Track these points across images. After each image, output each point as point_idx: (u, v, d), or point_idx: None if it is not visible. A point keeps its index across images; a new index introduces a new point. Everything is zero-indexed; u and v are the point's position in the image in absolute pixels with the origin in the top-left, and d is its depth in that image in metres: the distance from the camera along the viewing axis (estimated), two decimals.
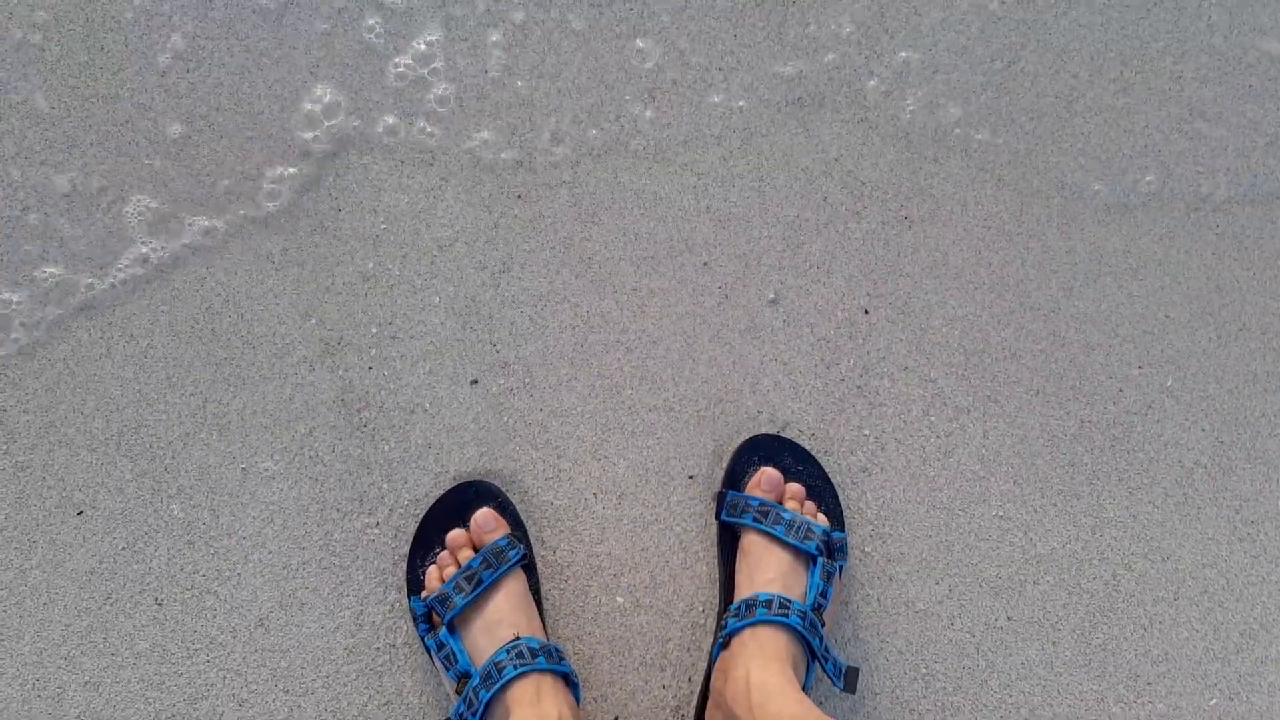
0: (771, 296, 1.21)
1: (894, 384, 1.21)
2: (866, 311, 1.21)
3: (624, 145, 1.22)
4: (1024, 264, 1.23)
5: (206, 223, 1.18)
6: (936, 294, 1.22)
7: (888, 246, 1.22)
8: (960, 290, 1.22)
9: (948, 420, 1.20)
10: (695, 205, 1.22)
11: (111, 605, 1.13)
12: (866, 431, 1.20)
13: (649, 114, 1.22)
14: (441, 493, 1.14)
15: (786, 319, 1.21)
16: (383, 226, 1.19)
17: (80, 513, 1.14)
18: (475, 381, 1.18)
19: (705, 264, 1.21)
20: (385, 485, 1.16)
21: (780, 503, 1.11)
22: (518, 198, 1.20)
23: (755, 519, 1.08)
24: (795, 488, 1.12)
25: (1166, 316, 1.23)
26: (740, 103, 1.23)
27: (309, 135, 1.19)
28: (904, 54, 1.24)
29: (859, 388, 1.20)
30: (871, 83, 1.24)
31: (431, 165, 1.20)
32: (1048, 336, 1.22)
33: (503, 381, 1.18)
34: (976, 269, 1.23)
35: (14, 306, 1.15)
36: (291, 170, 1.19)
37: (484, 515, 1.09)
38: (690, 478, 1.18)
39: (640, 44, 1.23)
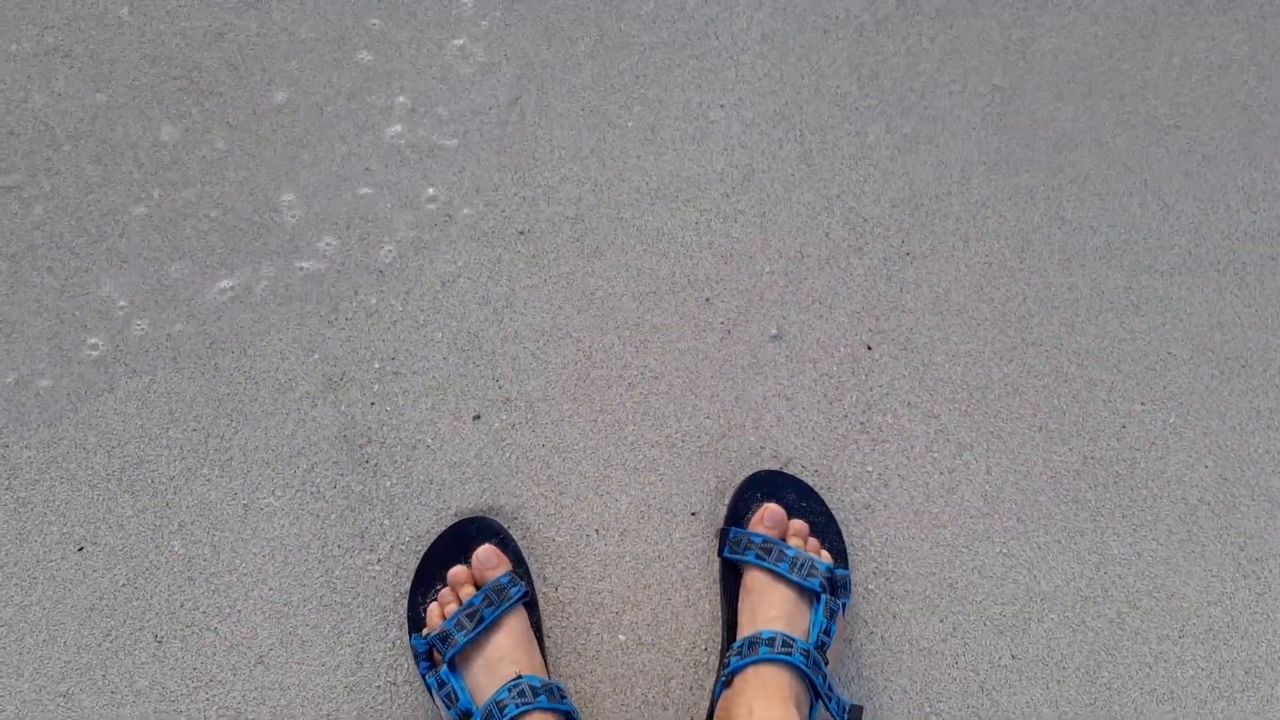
0: (774, 332, 1.22)
1: (897, 420, 1.21)
2: (869, 347, 1.22)
3: (626, 181, 1.23)
4: (1025, 300, 1.24)
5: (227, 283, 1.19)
6: (939, 329, 1.23)
7: (890, 282, 1.23)
8: (962, 326, 1.23)
9: (951, 457, 1.21)
10: (697, 241, 1.23)
11: (111, 642, 1.13)
12: (869, 468, 1.20)
13: (651, 150, 1.24)
14: (443, 529, 1.14)
15: (789, 354, 1.22)
16: (386, 262, 1.20)
17: (81, 549, 1.14)
18: (478, 417, 1.19)
19: (708, 299, 1.22)
20: (387, 521, 1.16)
21: (783, 539, 1.11)
22: (520, 233, 1.21)
23: (758, 556, 1.09)
24: (798, 524, 1.13)
25: (1169, 353, 1.24)
26: (741, 138, 1.24)
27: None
28: (906, 95, 1.26)
29: (862, 424, 1.21)
30: (873, 128, 1.25)
31: (435, 201, 1.21)
32: (1050, 372, 1.23)
33: (505, 417, 1.19)
34: (978, 305, 1.24)
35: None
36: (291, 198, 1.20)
37: (485, 552, 1.10)
38: (693, 514, 1.19)
39: (640, 84, 1.25)
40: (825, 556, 1.12)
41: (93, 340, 1.17)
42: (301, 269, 1.19)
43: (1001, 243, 1.25)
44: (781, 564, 1.08)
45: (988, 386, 1.22)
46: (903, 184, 1.25)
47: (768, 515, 1.12)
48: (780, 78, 1.26)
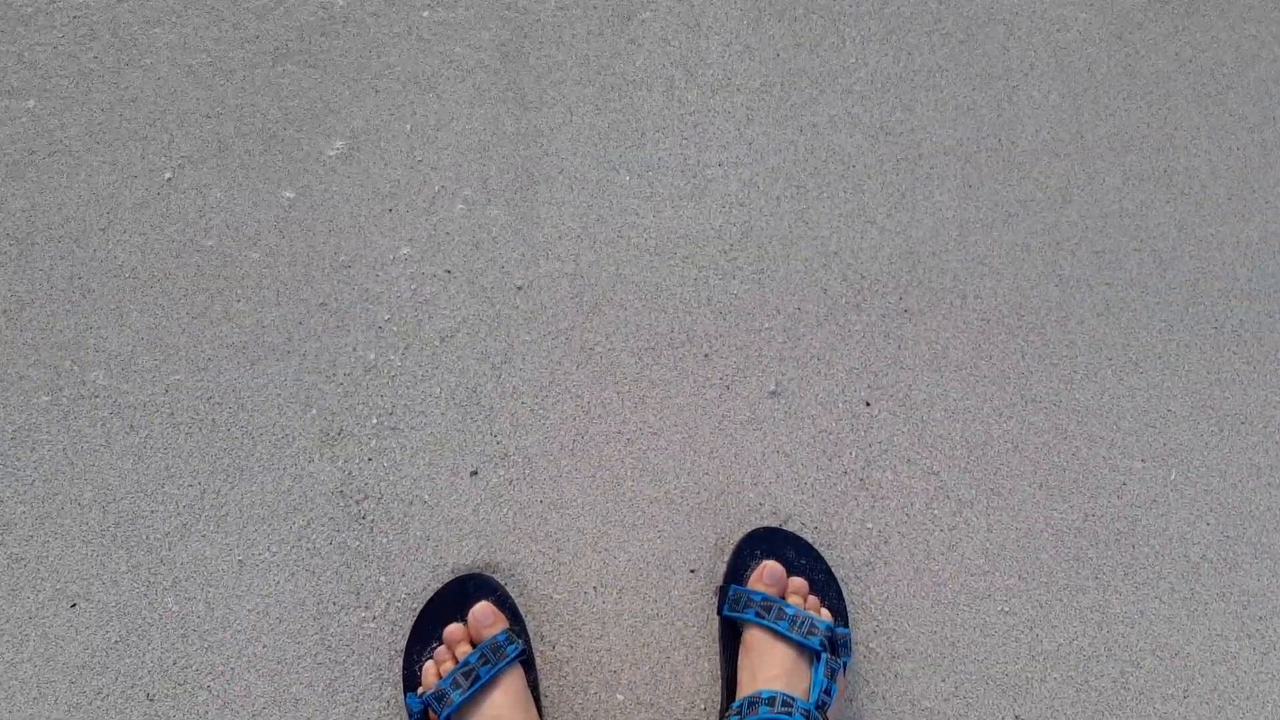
0: (772, 388, 1.23)
1: (896, 476, 1.22)
2: (868, 404, 1.23)
3: (624, 238, 1.25)
4: (1024, 356, 1.26)
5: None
6: (938, 386, 1.24)
7: (888, 339, 1.25)
8: (961, 383, 1.25)
9: (951, 514, 1.22)
10: (696, 297, 1.25)
11: (103, 700, 1.13)
12: (869, 525, 1.21)
13: (649, 207, 1.26)
14: (439, 586, 1.15)
15: (788, 411, 1.23)
16: (385, 317, 1.21)
17: (74, 605, 1.14)
18: (475, 473, 1.19)
19: (706, 355, 1.23)
20: (383, 578, 1.16)
21: (783, 597, 1.12)
22: (518, 289, 1.23)
23: (758, 614, 1.09)
24: (798, 582, 1.13)
25: (1168, 410, 1.26)
26: (739, 196, 1.27)
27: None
28: (902, 151, 1.29)
29: (861, 480, 1.22)
30: (870, 185, 1.28)
31: (436, 254, 1.23)
32: (1050, 429, 1.24)
33: (503, 473, 1.20)
34: (977, 361, 1.25)
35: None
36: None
37: (482, 609, 1.10)
38: (692, 571, 1.19)
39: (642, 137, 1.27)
40: (825, 614, 1.12)
41: (89, 392, 1.18)
42: (300, 323, 1.21)
43: (999, 299, 1.27)
44: (781, 622, 1.08)
45: (987, 443, 1.24)
46: (900, 241, 1.27)
47: (767, 573, 1.13)
48: (778, 135, 1.28)
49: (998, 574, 1.21)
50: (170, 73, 1.24)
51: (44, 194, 1.21)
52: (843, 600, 1.17)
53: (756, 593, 1.11)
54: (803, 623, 1.08)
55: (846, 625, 1.16)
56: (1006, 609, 1.20)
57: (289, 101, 1.25)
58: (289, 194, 1.23)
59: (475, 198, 1.25)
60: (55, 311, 1.19)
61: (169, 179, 1.23)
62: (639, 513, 1.20)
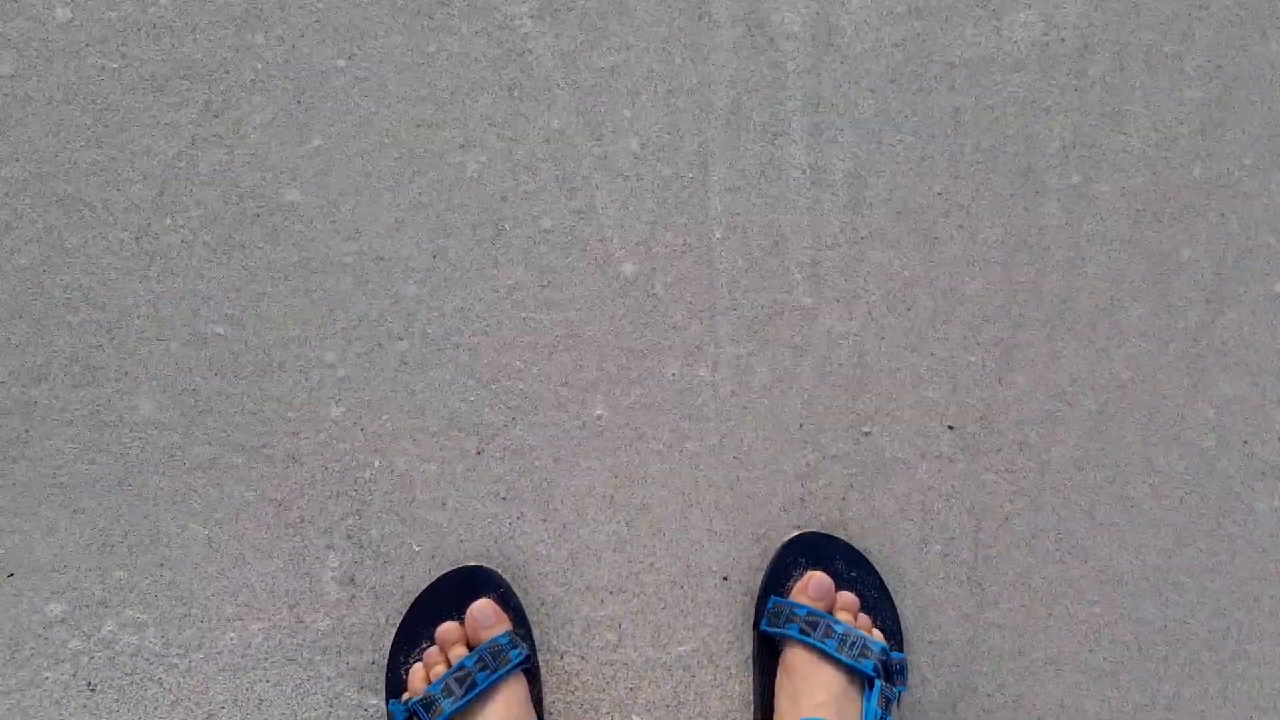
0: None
1: (960, 491, 1.10)
2: (950, 427, 1.11)
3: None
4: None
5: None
6: (1015, 403, 1.12)
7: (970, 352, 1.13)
8: (1035, 400, 1.12)
9: (1028, 539, 1.09)
10: (727, 297, 1.12)
11: (36, 689, 1.00)
12: (928, 536, 1.08)
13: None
14: (434, 578, 1.02)
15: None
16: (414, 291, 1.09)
17: (10, 575, 1.02)
18: (480, 452, 1.07)
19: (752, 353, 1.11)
20: (369, 564, 1.04)
21: (830, 613, 0.99)
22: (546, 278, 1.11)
23: (802, 630, 0.97)
24: (848, 597, 1.01)
25: None
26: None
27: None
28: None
29: (924, 489, 1.09)
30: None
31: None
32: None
33: (512, 454, 1.07)
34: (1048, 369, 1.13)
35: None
36: None
37: (482, 607, 0.98)
38: (724, 578, 1.07)
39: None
40: (878, 635, 0.99)
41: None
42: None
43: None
44: (829, 641, 0.96)
45: (1046, 464, 1.11)
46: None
47: (813, 585, 1.00)
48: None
49: (1092, 618, 1.08)
50: None
51: None
52: (898, 621, 1.04)
53: (801, 606, 0.98)
54: (854, 643, 0.96)
55: (902, 649, 1.04)
56: (1098, 663, 1.08)
57: None
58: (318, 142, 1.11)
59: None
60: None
61: None
62: (665, 509, 1.08)
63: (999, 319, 1.12)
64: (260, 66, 1.08)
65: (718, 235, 1.11)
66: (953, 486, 1.09)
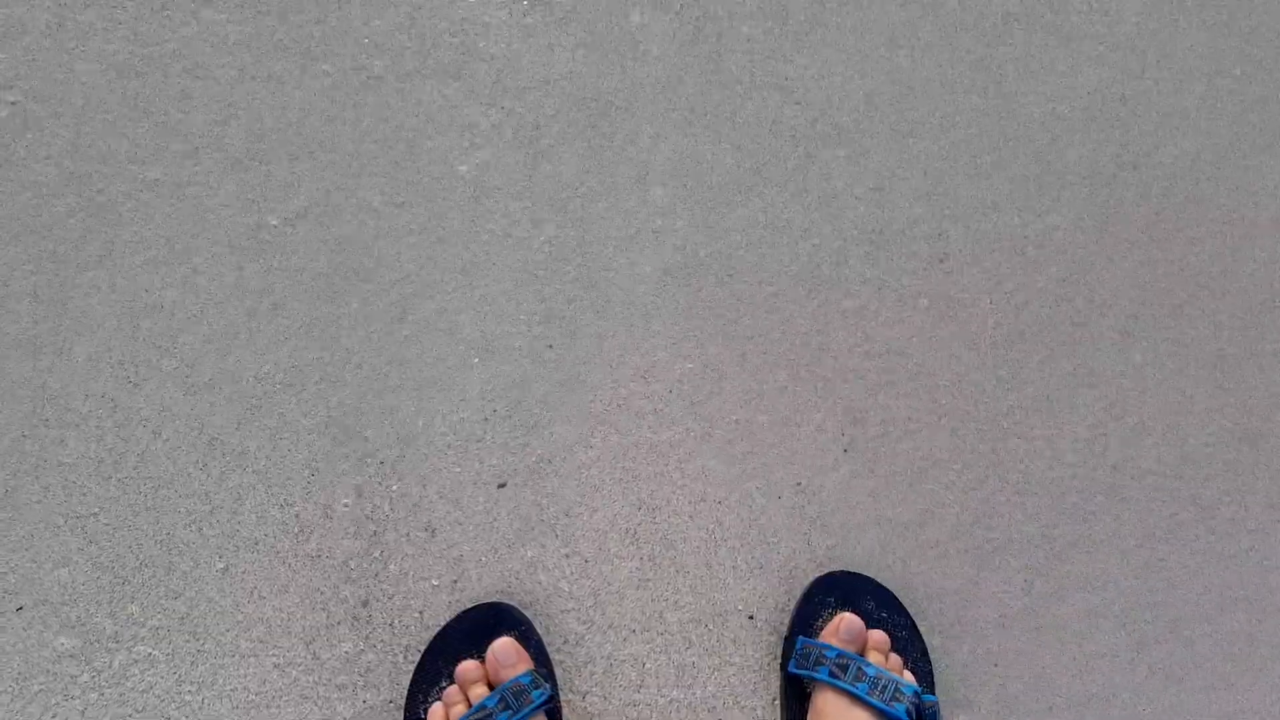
0: (853, 418, 1.09)
1: (998, 530, 1.08)
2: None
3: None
4: None
5: None
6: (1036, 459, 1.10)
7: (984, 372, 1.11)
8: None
9: (1059, 588, 1.07)
10: (770, 319, 1.10)
11: (53, 718, 0.98)
12: (957, 581, 1.06)
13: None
14: (453, 615, 1.00)
15: (872, 442, 1.08)
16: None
17: (20, 609, 0.99)
18: (503, 485, 1.05)
19: (784, 387, 1.09)
20: (388, 600, 1.02)
21: (861, 654, 0.96)
22: (570, 302, 1.09)
23: (831, 673, 0.94)
24: (879, 636, 0.99)
25: None
26: None
27: None
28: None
29: (953, 531, 1.07)
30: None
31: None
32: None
33: (535, 488, 1.05)
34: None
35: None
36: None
37: (504, 646, 0.95)
38: (750, 616, 1.05)
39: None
40: (909, 678, 0.97)
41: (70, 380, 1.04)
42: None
43: None
44: (860, 685, 0.93)
45: (1079, 539, 1.09)
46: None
47: (844, 627, 0.98)
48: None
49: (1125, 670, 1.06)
50: None
51: None
52: (928, 661, 1.02)
53: (831, 648, 0.96)
54: (885, 686, 0.93)
55: (933, 691, 1.01)
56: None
57: None
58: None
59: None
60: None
61: None
62: (690, 544, 1.05)
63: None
64: None
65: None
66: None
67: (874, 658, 0.97)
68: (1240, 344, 1.15)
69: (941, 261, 1.12)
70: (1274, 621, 1.11)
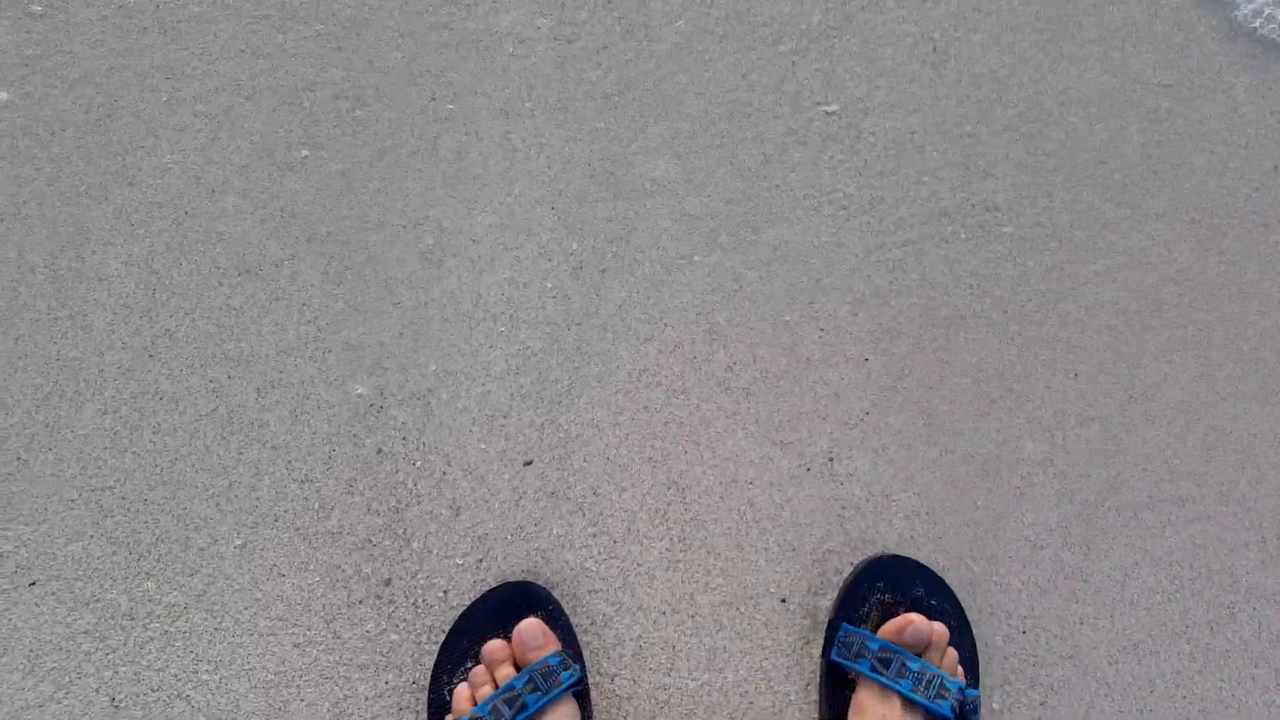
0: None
1: (1047, 519, 1.05)
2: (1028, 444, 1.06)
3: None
4: None
5: None
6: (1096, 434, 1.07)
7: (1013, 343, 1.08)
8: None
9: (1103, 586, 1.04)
10: (806, 310, 1.08)
11: (56, 704, 0.95)
12: (1013, 572, 1.03)
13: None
14: (479, 594, 0.97)
15: (920, 415, 1.05)
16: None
17: (33, 583, 0.97)
18: (529, 463, 1.02)
19: (808, 361, 1.06)
20: (411, 578, 0.99)
21: (909, 648, 0.92)
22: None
23: (873, 667, 0.91)
24: (940, 630, 0.93)
25: None
26: None
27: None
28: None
29: (999, 515, 1.04)
30: None
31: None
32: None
33: (562, 466, 1.02)
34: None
35: None
36: None
37: (530, 626, 0.92)
38: (782, 600, 1.02)
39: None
40: (960, 673, 0.93)
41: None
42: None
43: None
44: (904, 681, 0.90)
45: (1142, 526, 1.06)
46: None
47: (910, 632, 0.91)
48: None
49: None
50: None
51: None
52: (975, 652, 0.99)
53: (875, 639, 0.92)
54: (931, 682, 0.90)
55: (977, 685, 0.98)
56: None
57: None
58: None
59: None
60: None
61: None
62: (721, 525, 1.03)
63: None
64: None
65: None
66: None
67: (931, 655, 0.93)
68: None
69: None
70: None
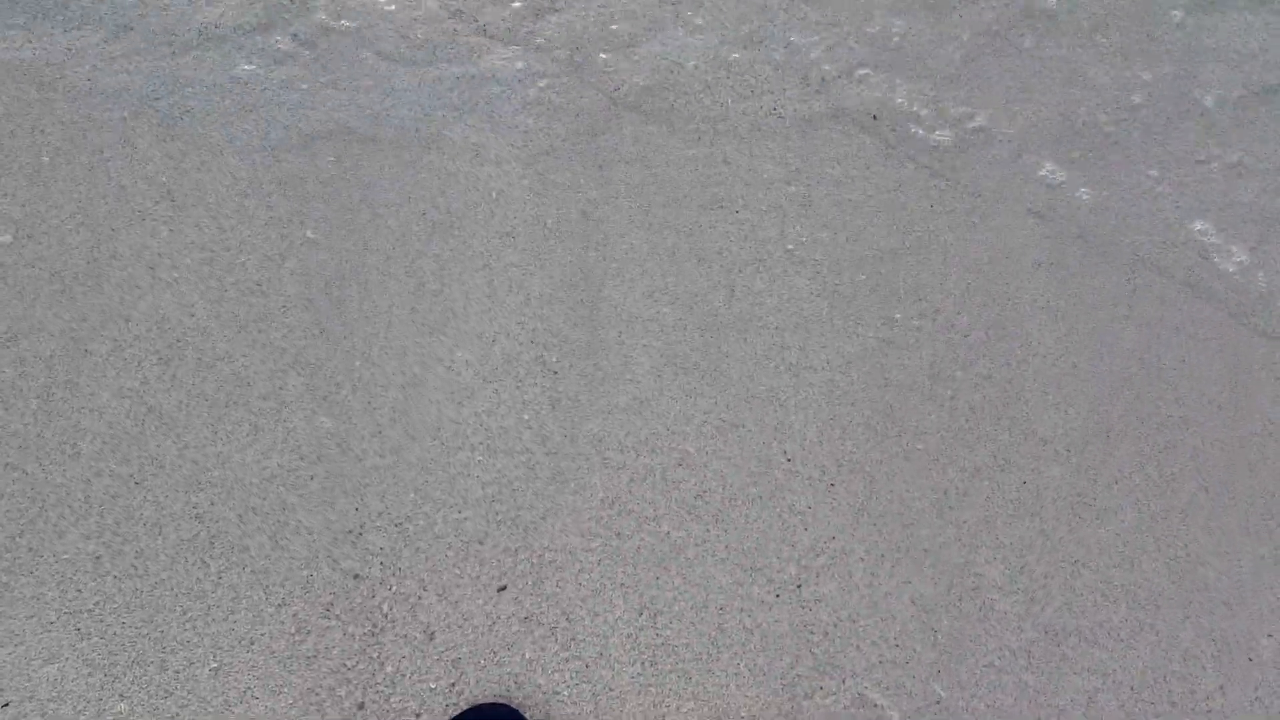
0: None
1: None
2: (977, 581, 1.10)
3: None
4: None
5: None
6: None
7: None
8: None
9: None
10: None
11: None
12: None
13: None
14: (446, 703, 0.98)
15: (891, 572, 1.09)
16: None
17: (6, 705, 0.97)
18: (504, 588, 1.05)
19: (786, 488, 1.11)
20: (386, 700, 1.00)
21: None
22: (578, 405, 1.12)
23: None
24: None
25: None
26: None
27: None
28: None
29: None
30: None
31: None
32: None
33: (536, 592, 1.05)
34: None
35: None
36: None
37: None
38: None
39: None
40: None
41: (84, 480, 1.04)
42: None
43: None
44: None
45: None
46: None
47: None
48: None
49: None
50: None
51: None
52: None
53: None
54: None
55: None
56: None
57: None
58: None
59: None
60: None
61: None
62: (692, 650, 1.05)
63: None
64: None
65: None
66: None
67: None
68: None
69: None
70: None
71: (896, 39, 1.27)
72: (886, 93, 1.25)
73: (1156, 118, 1.28)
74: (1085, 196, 1.23)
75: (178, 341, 1.10)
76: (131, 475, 1.05)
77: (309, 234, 1.15)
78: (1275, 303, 1.21)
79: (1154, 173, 1.25)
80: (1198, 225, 1.23)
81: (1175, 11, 1.31)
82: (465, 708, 1.00)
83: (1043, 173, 1.24)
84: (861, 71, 1.26)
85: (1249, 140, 1.27)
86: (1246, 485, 1.14)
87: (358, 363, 1.11)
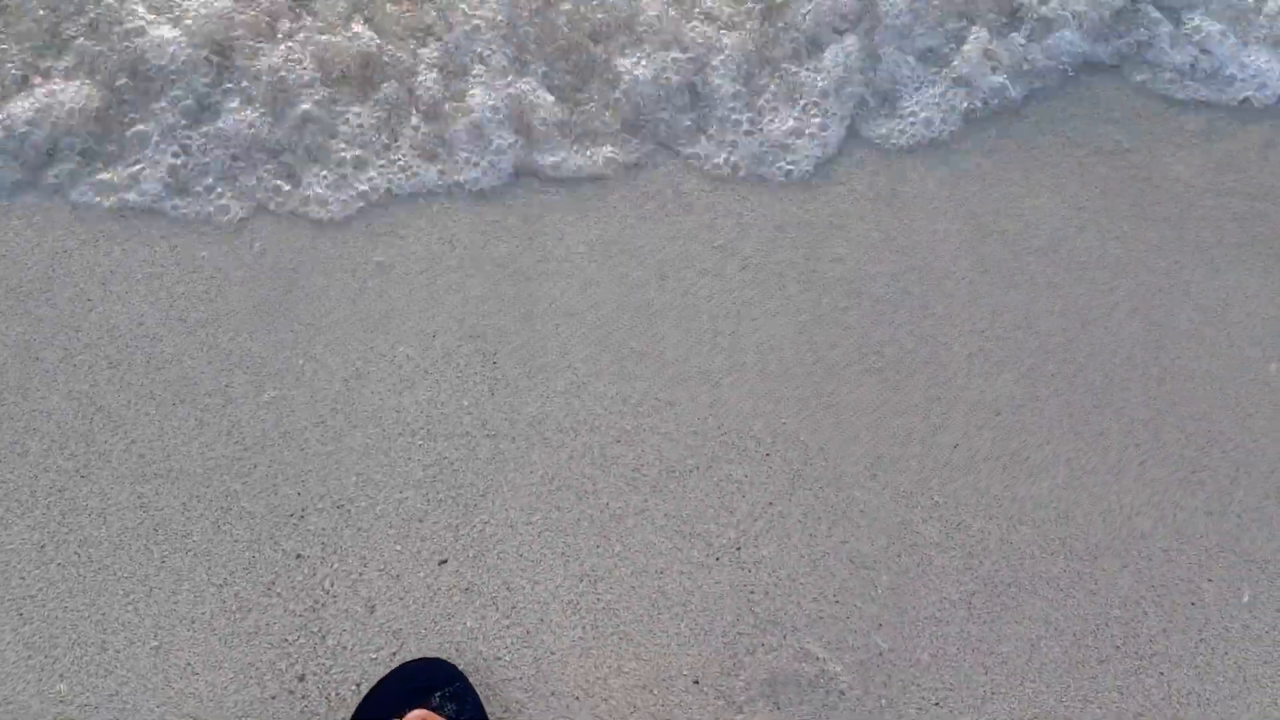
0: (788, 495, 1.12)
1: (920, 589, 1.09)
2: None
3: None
4: None
5: None
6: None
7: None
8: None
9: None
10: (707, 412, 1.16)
11: None
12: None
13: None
14: (387, 671, 0.99)
15: (825, 515, 1.11)
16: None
17: None
18: (444, 561, 1.06)
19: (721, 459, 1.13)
20: (327, 671, 1.01)
21: None
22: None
23: None
24: None
25: None
26: None
27: None
28: None
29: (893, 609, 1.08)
30: None
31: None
32: None
33: (476, 564, 1.06)
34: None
35: None
36: None
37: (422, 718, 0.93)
38: (695, 682, 1.04)
39: None
40: None
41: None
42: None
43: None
44: None
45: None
46: None
47: None
48: None
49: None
50: None
51: None
52: None
53: None
54: None
55: None
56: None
57: None
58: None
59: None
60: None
61: None
62: (633, 613, 1.06)
63: None
64: None
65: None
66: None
67: None
68: None
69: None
70: None
71: None
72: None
73: None
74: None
75: (127, 347, 1.14)
76: (78, 470, 1.08)
77: (256, 246, 1.21)
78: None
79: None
80: None
81: None
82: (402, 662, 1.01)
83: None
84: None
85: None
86: (1174, 439, 1.17)
87: (301, 361, 1.15)
